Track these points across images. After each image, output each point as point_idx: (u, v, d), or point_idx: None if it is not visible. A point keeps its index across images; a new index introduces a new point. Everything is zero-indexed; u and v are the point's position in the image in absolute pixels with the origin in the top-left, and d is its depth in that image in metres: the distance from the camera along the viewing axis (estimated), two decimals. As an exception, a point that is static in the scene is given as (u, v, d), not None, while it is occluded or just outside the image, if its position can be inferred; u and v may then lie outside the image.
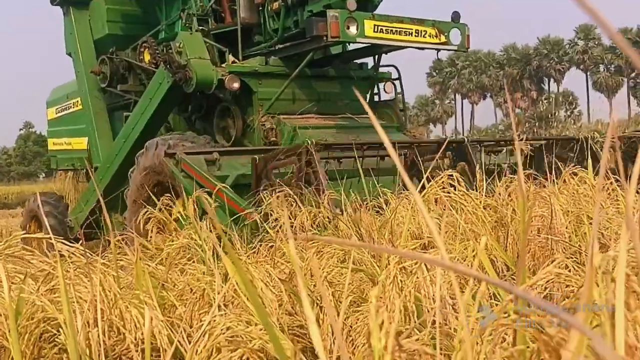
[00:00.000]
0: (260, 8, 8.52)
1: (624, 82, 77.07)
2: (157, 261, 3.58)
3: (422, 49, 7.84)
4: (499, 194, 4.81)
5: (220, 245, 2.90)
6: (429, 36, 7.75)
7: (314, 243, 3.29)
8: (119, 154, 8.99)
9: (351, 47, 8.97)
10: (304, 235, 4.32)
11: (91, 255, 3.17)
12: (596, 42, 77.44)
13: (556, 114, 65.31)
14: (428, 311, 2.36)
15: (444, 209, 4.04)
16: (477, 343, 1.48)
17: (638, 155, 0.92)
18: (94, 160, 10.20)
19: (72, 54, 10.43)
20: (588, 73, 78.72)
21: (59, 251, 2.49)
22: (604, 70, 78.22)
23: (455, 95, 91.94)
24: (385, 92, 9.33)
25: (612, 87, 76.76)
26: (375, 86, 9.32)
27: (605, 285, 1.20)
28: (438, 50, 7.92)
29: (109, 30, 10.06)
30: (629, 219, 0.96)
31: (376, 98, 9.42)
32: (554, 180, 5.37)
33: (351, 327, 2.54)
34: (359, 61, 9.19)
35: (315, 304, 2.72)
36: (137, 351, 2.22)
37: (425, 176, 4.00)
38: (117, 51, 9.86)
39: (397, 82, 9.33)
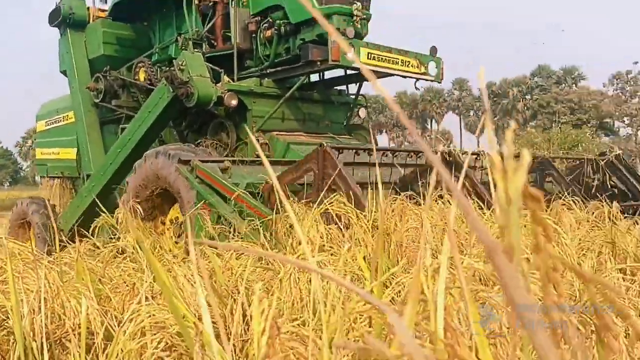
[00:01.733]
0: (253, 35, 7.76)
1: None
2: (97, 259, 3.59)
3: (405, 77, 7.22)
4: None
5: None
6: (412, 66, 7.15)
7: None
8: (114, 162, 8.03)
9: (331, 73, 8.28)
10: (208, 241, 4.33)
11: (39, 253, 3.41)
12: (467, 93, 79.62)
13: (435, 147, 67.00)
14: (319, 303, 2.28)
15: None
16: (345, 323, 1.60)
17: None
18: (84, 169, 9.21)
19: (68, 71, 9.43)
20: (461, 116, 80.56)
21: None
22: (473, 114, 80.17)
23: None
24: (359, 116, 8.68)
25: (481, 128, 78.60)
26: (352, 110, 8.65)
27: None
28: (417, 79, 7.30)
29: (104, 51, 9.14)
30: (449, 233, 1.06)
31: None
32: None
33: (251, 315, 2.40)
34: (338, 88, 8.52)
35: (230, 296, 2.69)
36: (74, 335, 2.20)
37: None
38: (110, 70, 8.92)
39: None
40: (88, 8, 9.47)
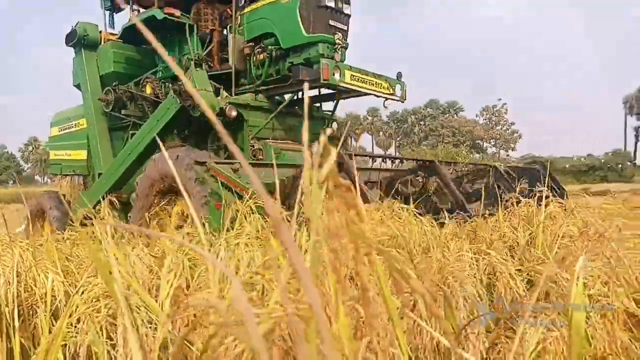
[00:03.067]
0: (247, 58, 7.03)
1: (393, 143, 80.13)
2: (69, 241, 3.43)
3: (378, 96, 6.65)
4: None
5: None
6: (383, 88, 6.59)
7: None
8: (124, 163, 7.14)
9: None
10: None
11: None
12: (378, 118, 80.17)
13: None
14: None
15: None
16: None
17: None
18: (95, 168, 8.26)
19: (81, 85, 8.43)
20: (373, 136, 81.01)
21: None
22: (382, 134, 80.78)
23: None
24: (332, 129, 8.05)
25: (387, 145, 79.45)
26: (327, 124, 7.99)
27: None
28: (387, 99, 6.73)
29: (114, 69, 8.18)
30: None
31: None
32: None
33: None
34: (316, 105, 7.85)
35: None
36: (42, 302, 2.09)
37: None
38: (118, 85, 7.99)
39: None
40: (100, 31, 8.49)
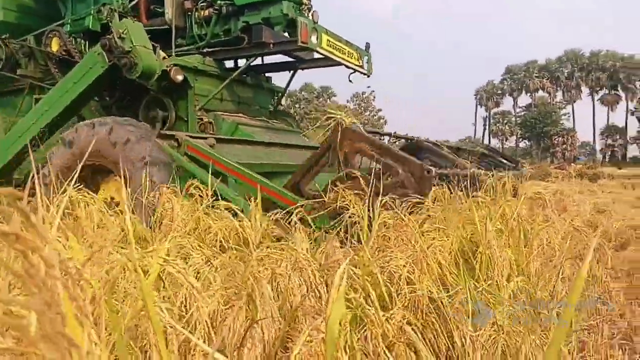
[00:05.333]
0: (189, 13, 5.75)
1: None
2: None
3: (348, 67, 5.75)
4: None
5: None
6: (353, 58, 5.72)
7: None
8: (26, 134, 5.50)
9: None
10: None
11: None
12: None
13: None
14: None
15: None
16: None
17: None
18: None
19: None
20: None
21: None
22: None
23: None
24: (281, 104, 6.98)
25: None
26: (276, 97, 6.89)
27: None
28: (355, 71, 5.87)
29: (3, 17, 6.36)
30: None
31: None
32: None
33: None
34: (267, 74, 6.72)
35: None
36: None
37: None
38: (9, 38, 6.21)
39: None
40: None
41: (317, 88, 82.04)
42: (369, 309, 1.66)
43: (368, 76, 6.07)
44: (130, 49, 4.86)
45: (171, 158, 3.81)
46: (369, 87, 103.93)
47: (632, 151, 62.82)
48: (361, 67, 5.83)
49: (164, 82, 5.24)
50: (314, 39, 4.93)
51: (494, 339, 1.87)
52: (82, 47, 6.15)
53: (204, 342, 1.61)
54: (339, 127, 3.21)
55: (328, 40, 5.17)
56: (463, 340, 1.88)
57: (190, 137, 3.78)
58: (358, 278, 2.00)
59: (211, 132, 5.36)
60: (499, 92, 74.39)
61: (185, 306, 1.71)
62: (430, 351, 1.84)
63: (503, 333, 1.88)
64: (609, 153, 64.07)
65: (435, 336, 1.95)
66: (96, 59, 5.10)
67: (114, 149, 4.43)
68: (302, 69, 6.28)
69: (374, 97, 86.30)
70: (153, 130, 4.79)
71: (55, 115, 5.32)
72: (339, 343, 1.26)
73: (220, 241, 2.77)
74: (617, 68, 63.19)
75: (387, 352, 1.61)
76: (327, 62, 5.66)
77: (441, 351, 1.94)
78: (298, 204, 3.11)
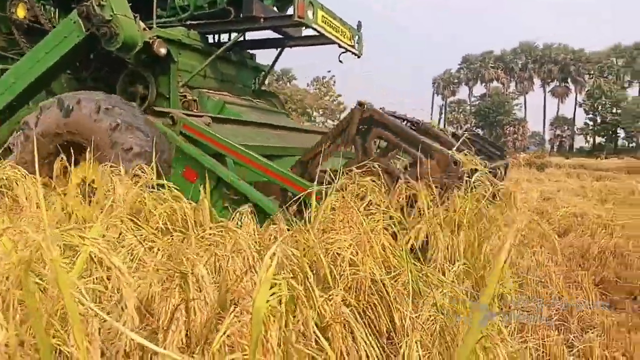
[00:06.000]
0: (171, -18, 5.38)
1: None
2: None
3: (341, 46, 5.51)
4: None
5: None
6: (346, 37, 5.49)
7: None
8: None
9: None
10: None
11: None
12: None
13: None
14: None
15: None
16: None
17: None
18: None
19: None
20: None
21: None
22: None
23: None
24: (264, 83, 6.66)
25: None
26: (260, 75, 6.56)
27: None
28: (346, 50, 5.63)
29: None
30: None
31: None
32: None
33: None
34: (250, 51, 6.38)
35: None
36: None
37: None
38: None
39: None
40: None
41: (277, 71, 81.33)
42: (299, 290, 1.64)
43: (359, 57, 5.85)
44: (110, 18, 4.48)
45: (165, 136, 3.51)
46: (329, 71, 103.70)
47: (579, 142, 65.28)
48: (353, 47, 5.60)
49: (144, 56, 4.87)
50: (310, 14, 4.67)
51: (433, 319, 1.91)
52: (52, 15, 5.66)
53: (132, 324, 1.49)
54: (357, 108, 3.00)
55: (323, 16, 4.91)
56: (402, 321, 1.94)
57: (186, 114, 3.48)
58: (298, 260, 1.95)
59: (195, 110, 5.05)
60: (456, 81, 75.47)
61: (117, 289, 1.62)
62: (371, 332, 1.88)
63: (443, 314, 1.94)
64: (558, 143, 66.32)
65: (377, 317, 2.01)
66: (72, 27, 4.68)
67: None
68: (291, 46, 6.00)
69: (334, 82, 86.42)
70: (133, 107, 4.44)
71: (24, 88, 4.88)
72: (270, 324, 1.31)
73: (166, 224, 2.70)
74: (567, 61, 65.17)
75: (318, 333, 1.62)
76: (318, 40, 5.41)
77: (381, 332, 2.00)
78: (308, 189, 2.88)
